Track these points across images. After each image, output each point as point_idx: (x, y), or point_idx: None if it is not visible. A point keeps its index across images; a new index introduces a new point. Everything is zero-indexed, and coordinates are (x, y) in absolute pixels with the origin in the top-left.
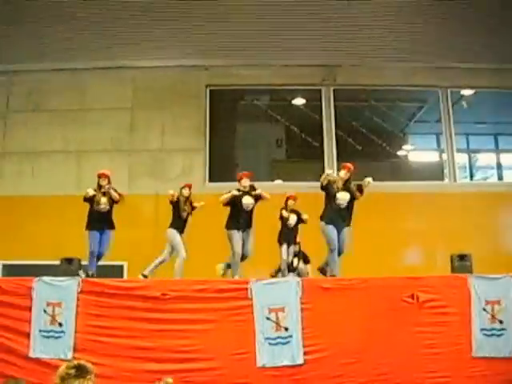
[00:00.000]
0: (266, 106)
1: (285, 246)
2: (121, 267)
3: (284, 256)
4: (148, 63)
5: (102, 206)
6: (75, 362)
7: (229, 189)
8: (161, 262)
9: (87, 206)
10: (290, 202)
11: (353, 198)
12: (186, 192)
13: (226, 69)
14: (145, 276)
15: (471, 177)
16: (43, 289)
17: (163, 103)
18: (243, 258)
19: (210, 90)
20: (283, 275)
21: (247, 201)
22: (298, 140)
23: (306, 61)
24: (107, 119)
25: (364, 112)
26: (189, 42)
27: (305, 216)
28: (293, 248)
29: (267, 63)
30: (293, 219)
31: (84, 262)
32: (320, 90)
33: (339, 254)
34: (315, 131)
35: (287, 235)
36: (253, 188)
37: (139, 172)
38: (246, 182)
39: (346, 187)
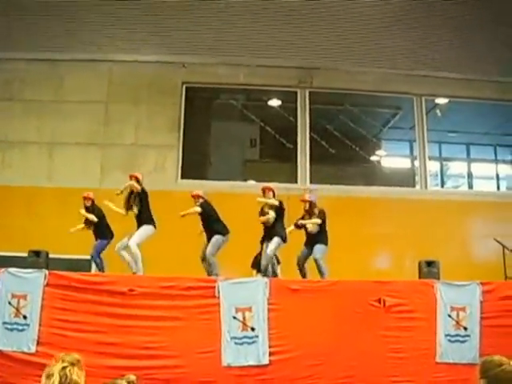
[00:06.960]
0: (241, 105)
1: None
2: (89, 261)
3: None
4: (125, 57)
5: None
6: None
7: (200, 187)
8: None
9: (58, 198)
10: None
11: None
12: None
13: (203, 67)
14: None
15: (442, 185)
16: (9, 280)
17: (139, 98)
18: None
19: (186, 88)
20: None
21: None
22: (271, 141)
23: (284, 62)
24: (82, 112)
25: (339, 116)
26: (167, 38)
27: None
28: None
29: (244, 63)
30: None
31: (51, 255)
32: (296, 92)
33: None
34: (289, 133)
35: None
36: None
37: (112, 166)
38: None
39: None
